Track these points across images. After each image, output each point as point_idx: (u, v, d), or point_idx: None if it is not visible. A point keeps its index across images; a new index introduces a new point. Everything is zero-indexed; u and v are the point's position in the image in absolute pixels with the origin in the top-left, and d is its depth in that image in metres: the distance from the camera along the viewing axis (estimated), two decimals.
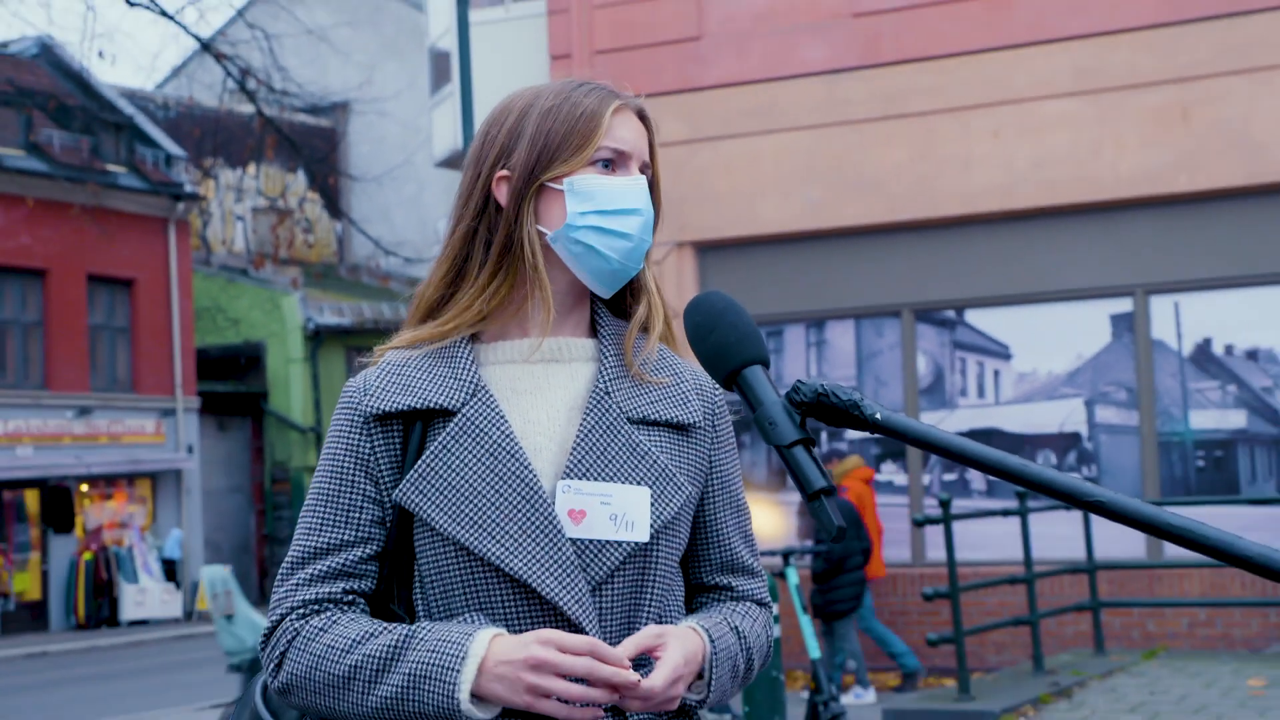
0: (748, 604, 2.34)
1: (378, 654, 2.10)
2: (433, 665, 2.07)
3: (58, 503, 29.51)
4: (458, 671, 2.05)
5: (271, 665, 2.20)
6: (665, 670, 2.08)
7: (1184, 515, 1.48)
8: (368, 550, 2.21)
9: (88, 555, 29.55)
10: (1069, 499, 1.53)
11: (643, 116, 2.32)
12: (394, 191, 37.46)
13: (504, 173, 2.26)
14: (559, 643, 2.05)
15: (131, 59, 63.63)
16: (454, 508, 2.15)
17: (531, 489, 2.15)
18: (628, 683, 2.04)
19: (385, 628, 2.14)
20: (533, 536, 2.13)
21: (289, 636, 2.18)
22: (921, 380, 14.43)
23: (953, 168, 14.03)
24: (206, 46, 21.36)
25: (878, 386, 14.57)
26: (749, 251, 14.85)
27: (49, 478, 29.26)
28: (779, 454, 1.76)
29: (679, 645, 2.12)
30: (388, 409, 2.21)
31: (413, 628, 2.13)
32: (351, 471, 2.22)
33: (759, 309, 14.56)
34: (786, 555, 9.95)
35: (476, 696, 2.07)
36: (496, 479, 2.15)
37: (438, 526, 2.15)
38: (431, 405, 2.20)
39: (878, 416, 1.72)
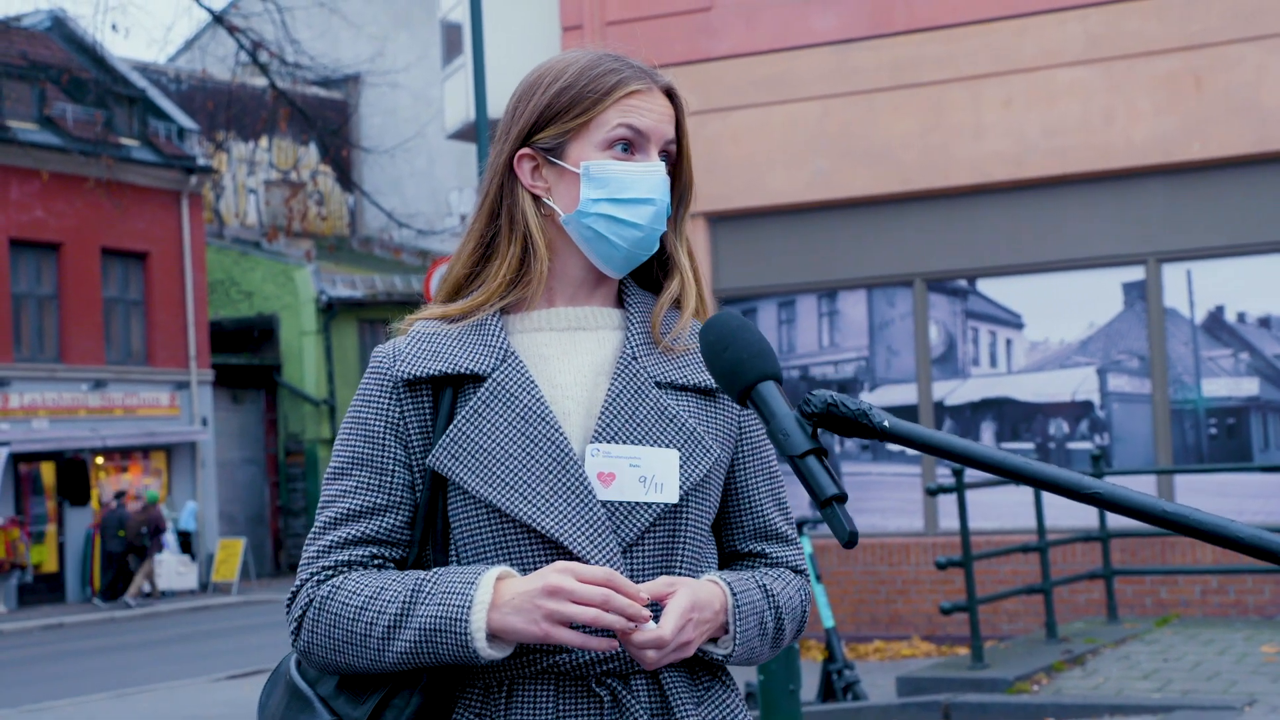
0: (781, 569, 2.34)
1: (389, 611, 2.12)
2: (441, 619, 2.09)
3: (73, 475, 29.65)
4: (467, 621, 2.07)
5: (292, 629, 2.23)
6: (672, 615, 2.09)
7: (1179, 503, 1.52)
8: (400, 517, 2.23)
9: None
10: (1070, 494, 1.57)
11: (671, 95, 2.32)
12: (406, 164, 37.45)
13: (525, 150, 2.29)
14: (576, 571, 2.07)
15: (144, 32, 63.76)
16: (486, 470, 2.17)
17: (562, 451, 2.18)
18: (641, 616, 2.05)
19: (393, 579, 2.16)
20: (564, 497, 2.16)
21: (305, 601, 2.20)
22: (934, 350, 14.44)
23: (964, 137, 14.02)
24: (219, 19, 21.39)
25: (890, 356, 14.59)
26: (760, 222, 14.84)
27: (65, 450, 29.40)
28: (791, 465, 1.79)
29: (688, 592, 2.13)
30: (419, 374, 2.23)
31: (420, 579, 2.14)
32: (383, 436, 2.24)
33: (770, 279, 14.56)
34: (801, 524, 10.02)
35: (493, 636, 2.09)
36: (528, 442, 2.18)
37: (470, 489, 2.17)
38: (462, 370, 2.22)
39: (886, 425, 1.75)
